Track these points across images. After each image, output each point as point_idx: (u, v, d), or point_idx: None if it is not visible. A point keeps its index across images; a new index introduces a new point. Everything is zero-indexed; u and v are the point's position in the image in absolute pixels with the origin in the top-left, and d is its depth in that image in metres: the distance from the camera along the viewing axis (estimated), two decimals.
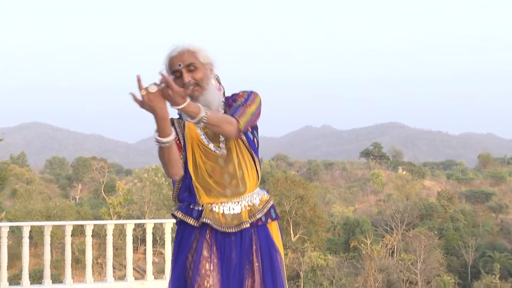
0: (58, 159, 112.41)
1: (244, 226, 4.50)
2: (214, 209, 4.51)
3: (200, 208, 4.51)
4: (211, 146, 4.51)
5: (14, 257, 21.30)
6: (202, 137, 4.52)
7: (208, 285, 4.44)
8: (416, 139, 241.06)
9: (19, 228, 15.03)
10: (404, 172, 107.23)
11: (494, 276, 58.70)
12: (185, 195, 4.58)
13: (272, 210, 4.63)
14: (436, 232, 68.23)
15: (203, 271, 4.47)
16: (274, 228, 4.65)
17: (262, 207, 4.58)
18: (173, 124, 4.55)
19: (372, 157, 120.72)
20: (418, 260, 60.31)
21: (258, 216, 4.54)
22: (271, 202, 4.66)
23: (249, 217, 4.52)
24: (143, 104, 3.97)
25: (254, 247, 4.54)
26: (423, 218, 75.69)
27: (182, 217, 4.55)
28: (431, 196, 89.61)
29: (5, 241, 14.40)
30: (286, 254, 59.87)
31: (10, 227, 15.24)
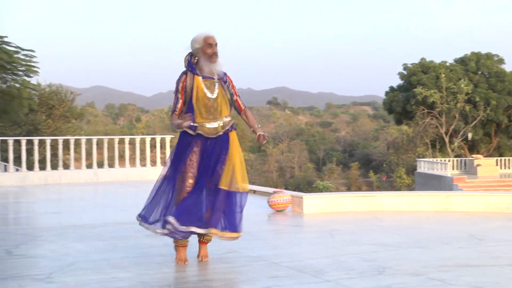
0: (111, 104, 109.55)
1: (220, 134, 4.56)
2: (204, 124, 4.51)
3: (196, 125, 4.48)
4: (207, 92, 4.52)
5: (89, 155, 21.02)
6: (203, 86, 4.52)
7: (192, 170, 4.47)
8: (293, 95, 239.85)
9: (91, 140, 14.85)
10: (289, 112, 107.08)
11: (332, 163, 59.86)
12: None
13: (233, 125, 4.66)
14: (304, 142, 69.00)
15: (189, 162, 4.47)
16: (233, 134, 4.67)
17: (228, 124, 4.61)
18: (186, 74, 4.55)
19: (272, 104, 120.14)
20: (296, 156, 61.12)
21: (226, 128, 4.57)
22: (232, 121, 4.66)
23: (221, 129, 4.55)
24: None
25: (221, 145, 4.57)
26: (298, 135, 76.03)
27: (187, 129, 4.48)
28: (302, 124, 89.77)
29: (84, 146, 14.33)
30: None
31: (86, 139, 15.13)
